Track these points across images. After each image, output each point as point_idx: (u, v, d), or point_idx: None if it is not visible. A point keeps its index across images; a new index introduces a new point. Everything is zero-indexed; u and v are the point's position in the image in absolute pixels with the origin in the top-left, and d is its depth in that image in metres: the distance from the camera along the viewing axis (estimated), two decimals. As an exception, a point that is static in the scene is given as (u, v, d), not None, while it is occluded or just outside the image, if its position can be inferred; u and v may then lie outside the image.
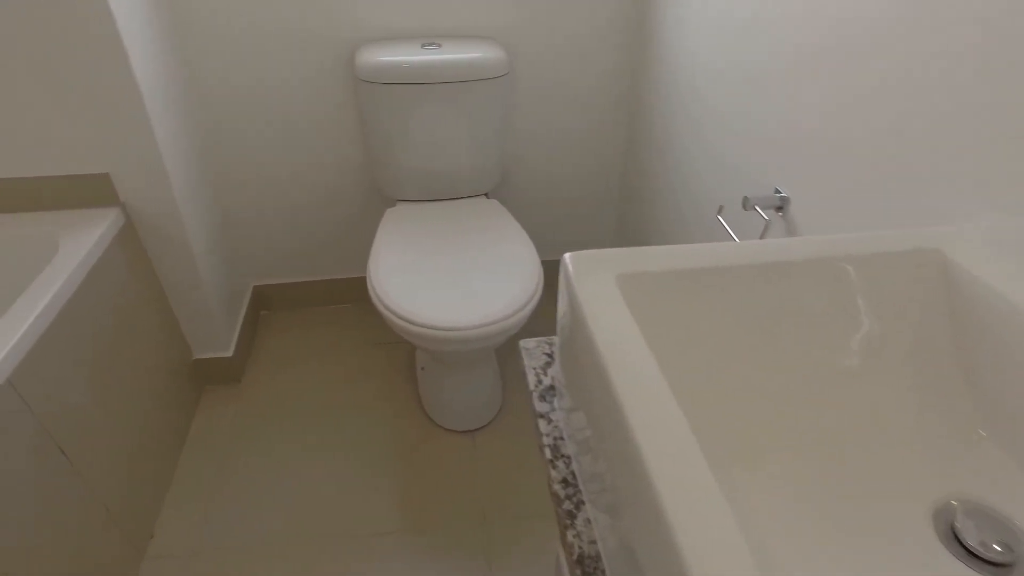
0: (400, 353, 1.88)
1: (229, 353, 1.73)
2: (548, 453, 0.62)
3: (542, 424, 0.64)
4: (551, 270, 2.03)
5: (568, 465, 0.61)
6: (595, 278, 0.55)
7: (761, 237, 1.07)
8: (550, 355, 0.72)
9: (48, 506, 1.11)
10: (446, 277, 1.40)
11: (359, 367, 1.84)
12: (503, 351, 1.87)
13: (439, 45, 1.55)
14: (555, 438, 0.63)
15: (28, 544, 1.06)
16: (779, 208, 1.08)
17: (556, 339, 0.73)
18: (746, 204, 1.05)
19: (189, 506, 1.49)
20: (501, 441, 1.62)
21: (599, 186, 1.93)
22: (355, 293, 2.03)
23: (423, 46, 1.54)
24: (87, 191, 1.41)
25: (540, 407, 0.66)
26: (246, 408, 1.72)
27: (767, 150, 1.11)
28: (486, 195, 1.74)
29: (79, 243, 1.31)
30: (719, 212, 1.19)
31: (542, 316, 1.57)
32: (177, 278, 1.57)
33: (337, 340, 1.93)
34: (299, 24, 1.54)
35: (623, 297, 0.53)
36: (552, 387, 0.68)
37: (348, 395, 1.76)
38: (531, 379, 0.69)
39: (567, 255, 0.56)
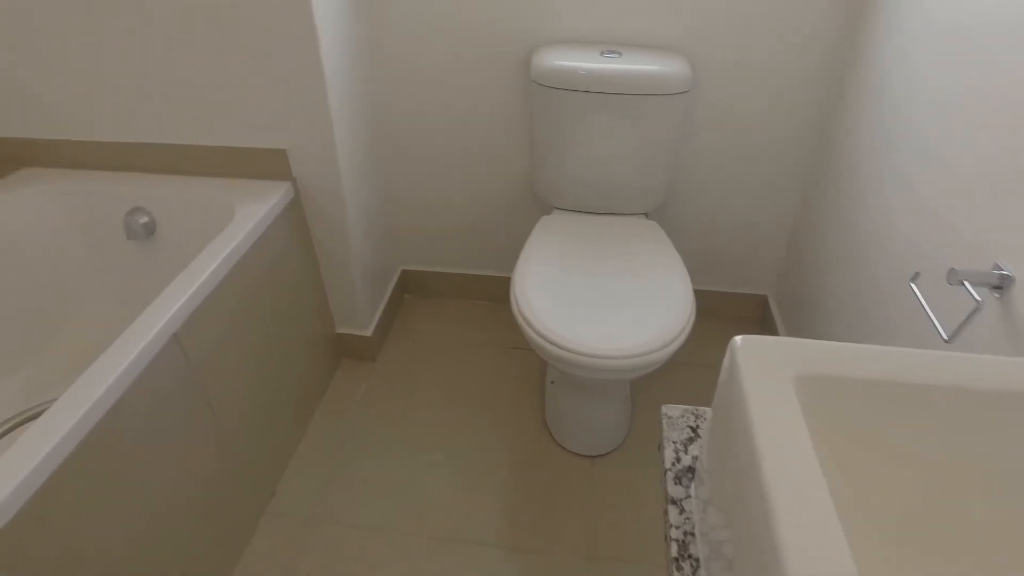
0: (532, 361, 1.85)
1: (368, 333, 1.79)
2: (674, 550, 0.54)
3: (672, 513, 0.57)
4: (700, 301, 1.92)
5: (695, 570, 0.53)
6: (768, 372, 0.46)
7: (966, 321, 0.90)
8: (695, 430, 0.64)
9: (190, 453, 1.20)
10: (592, 298, 1.34)
11: (490, 367, 1.84)
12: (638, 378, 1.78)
13: (619, 54, 1.48)
14: (685, 532, 0.56)
15: (168, 486, 1.14)
16: (997, 287, 0.90)
17: (706, 414, 0.65)
18: (952, 277, 0.89)
19: (311, 472, 1.56)
20: (620, 473, 1.55)
21: (769, 223, 1.78)
22: (498, 292, 2.03)
23: (603, 53, 1.48)
24: (264, 164, 1.49)
25: (674, 491, 0.59)
26: (377, 387, 1.78)
27: (992, 213, 0.94)
28: (645, 215, 1.65)
29: (253, 211, 1.39)
30: (913, 279, 1.03)
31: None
32: (332, 255, 1.64)
33: (473, 336, 1.94)
34: (482, 20, 1.53)
35: (800, 403, 0.44)
36: (691, 469, 0.61)
37: (474, 393, 1.76)
38: (669, 455, 0.61)
39: (738, 338, 0.48)
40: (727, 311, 1.96)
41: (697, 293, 1.91)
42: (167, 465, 1.13)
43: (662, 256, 1.48)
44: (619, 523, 1.44)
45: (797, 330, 1.69)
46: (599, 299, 1.34)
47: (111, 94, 1.46)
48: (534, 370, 1.83)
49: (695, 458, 0.61)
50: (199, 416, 1.22)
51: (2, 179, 1.55)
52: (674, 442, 0.63)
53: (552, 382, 1.66)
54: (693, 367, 1.81)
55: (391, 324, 1.96)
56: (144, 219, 1.52)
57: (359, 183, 1.62)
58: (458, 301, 2.07)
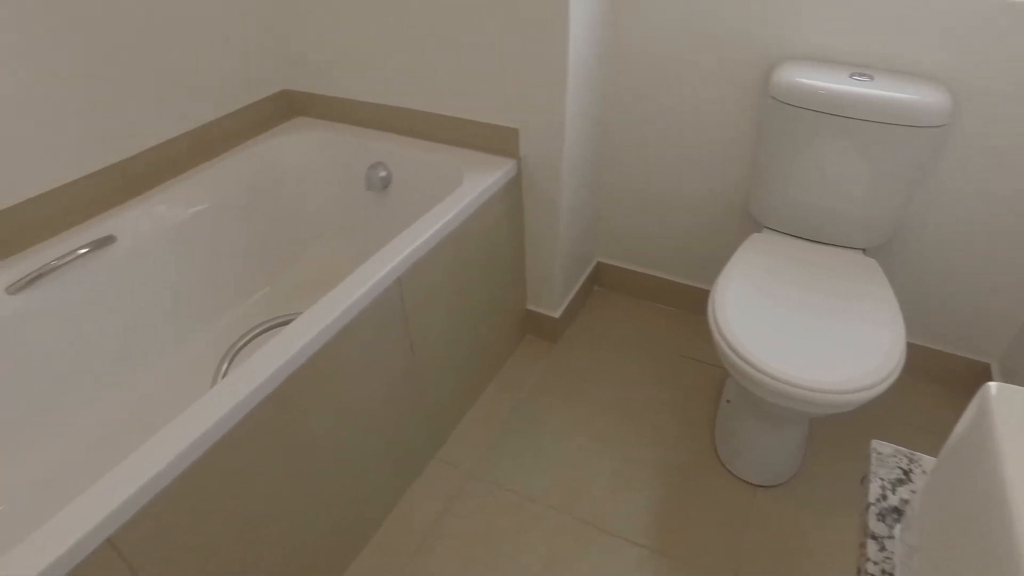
0: (710, 374, 1.82)
1: (556, 315, 1.87)
2: (869, 583, 0.53)
3: (872, 548, 0.56)
4: (909, 354, 1.77)
5: (890, 609, 0.52)
6: (1025, 427, 0.44)
7: None
8: (906, 472, 0.61)
9: (388, 384, 1.34)
10: (795, 326, 1.30)
11: (665, 373, 1.83)
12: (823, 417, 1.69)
13: (871, 77, 1.39)
14: (883, 571, 0.54)
15: (368, 407, 1.29)
16: None
17: (921, 460, 0.63)
18: None
19: (481, 430, 1.67)
20: (783, 509, 1.48)
21: (1012, 283, 1.58)
22: (688, 301, 2.01)
23: (852, 75, 1.40)
24: (497, 140, 1.61)
25: (876, 527, 0.57)
26: (554, 368, 1.85)
27: None
28: (864, 250, 1.55)
29: (480, 181, 1.51)
30: None
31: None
32: (538, 234, 1.73)
33: (655, 339, 1.94)
34: (728, 28, 1.52)
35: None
36: (897, 510, 0.59)
37: (646, 395, 1.77)
38: (874, 490, 0.60)
39: (992, 385, 0.46)
40: (937, 371, 1.78)
41: (907, 345, 1.76)
42: (370, 388, 1.28)
43: (877, 297, 1.38)
44: (772, 560, 1.39)
45: None
46: (802, 329, 1.29)
47: (377, 62, 1.66)
48: (711, 383, 1.79)
49: (904, 501, 0.59)
50: (401, 354, 1.36)
51: (282, 124, 1.83)
52: (882, 479, 0.61)
53: (728, 401, 1.62)
54: (882, 419, 1.67)
55: (578, 311, 2.03)
56: (383, 173, 1.71)
57: (577, 170, 1.69)
58: (646, 302, 2.08)
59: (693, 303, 2.00)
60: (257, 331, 1.22)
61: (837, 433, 1.65)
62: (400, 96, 1.70)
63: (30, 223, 1.37)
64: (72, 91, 1.38)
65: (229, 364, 1.16)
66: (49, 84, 1.33)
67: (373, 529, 1.44)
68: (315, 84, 1.82)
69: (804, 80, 1.41)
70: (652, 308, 2.06)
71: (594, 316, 2.03)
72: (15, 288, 1.27)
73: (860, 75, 1.41)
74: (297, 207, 1.84)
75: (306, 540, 1.23)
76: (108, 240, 1.41)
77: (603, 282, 2.11)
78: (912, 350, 1.78)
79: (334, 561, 1.34)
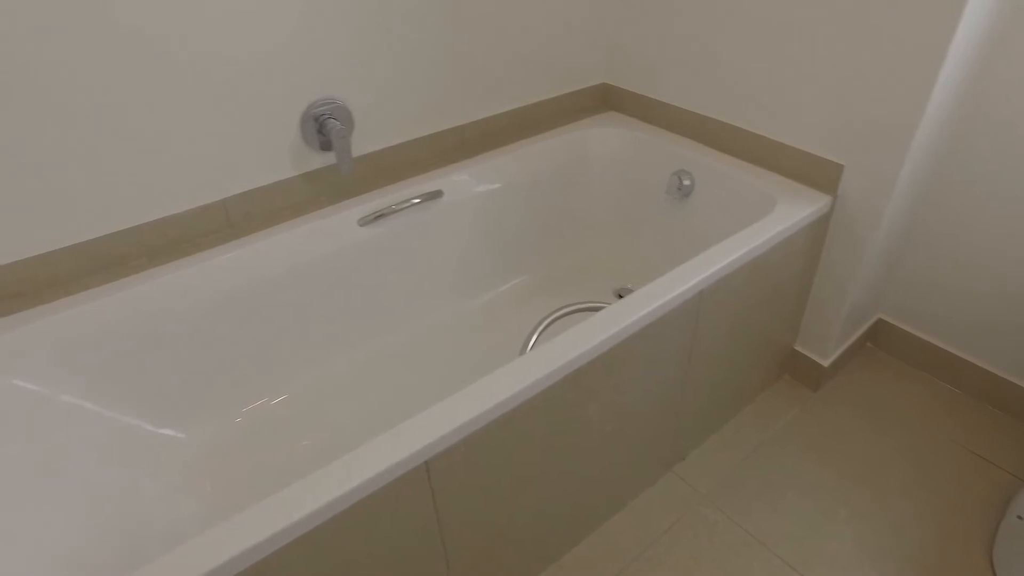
0: (996, 478, 1.59)
1: (825, 363, 1.75)
2: None
3: None
4: None
5: None
6: None
7: None
8: None
9: (659, 386, 1.36)
10: None
11: (938, 461, 1.63)
12: None
13: None
14: None
15: (634, 403, 1.32)
16: None
17: None
18: None
19: (720, 457, 1.63)
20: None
21: None
22: (985, 389, 1.75)
23: None
24: (814, 171, 1.53)
25: None
26: (808, 417, 1.74)
27: None
28: None
29: (792, 212, 1.45)
30: None
31: None
32: (832, 277, 1.62)
33: (930, 420, 1.74)
34: None
35: None
36: None
37: (908, 477, 1.59)
38: None
39: None
40: None
41: None
42: (644, 388, 1.31)
43: None
44: None
45: None
46: None
47: (702, 70, 1.68)
48: (994, 490, 1.57)
49: None
50: (678, 363, 1.37)
51: (595, 116, 1.91)
52: None
53: (1020, 518, 1.41)
54: None
55: (845, 364, 1.88)
56: (687, 181, 1.71)
57: (897, 217, 1.55)
58: (926, 376, 1.86)
59: (992, 393, 1.74)
60: (565, 311, 1.30)
61: None
62: (719, 109, 1.68)
63: (383, 168, 1.58)
64: (431, 62, 1.56)
65: (538, 336, 1.25)
66: (419, 55, 1.53)
67: (600, 522, 1.48)
68: (634, 82, 1.86)
69: None
70: (932, 384, 1.84)
71: (862, 375, 1.87)
72: (364, 221, 1.48)
73: None
74: (593, 195, 1.92)
75: (550, 513, 1.29)
76: (437, 194, 1.59)
77: (879, 341, 1.93)
78: None
79: (561, 541, 1.40)
